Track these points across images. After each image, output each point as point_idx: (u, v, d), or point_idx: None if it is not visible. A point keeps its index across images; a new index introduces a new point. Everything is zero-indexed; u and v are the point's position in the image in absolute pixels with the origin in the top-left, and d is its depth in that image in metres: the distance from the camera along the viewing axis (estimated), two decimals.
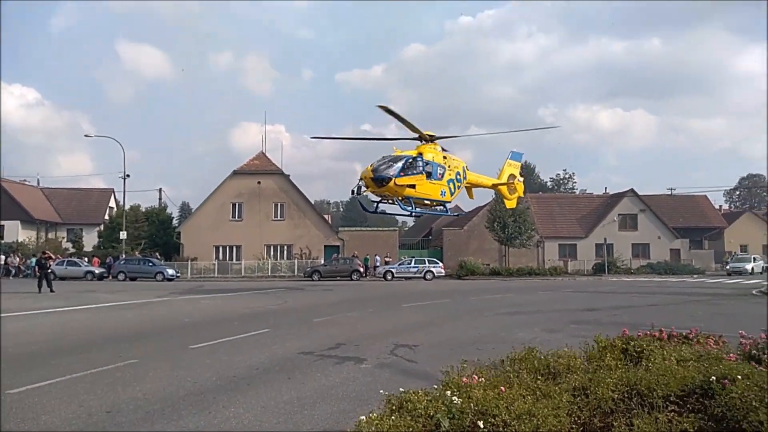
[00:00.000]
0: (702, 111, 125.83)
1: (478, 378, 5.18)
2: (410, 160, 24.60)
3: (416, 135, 25.65)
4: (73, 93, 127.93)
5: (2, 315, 16.81)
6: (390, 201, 25.75)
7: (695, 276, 42.87)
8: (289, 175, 50.17)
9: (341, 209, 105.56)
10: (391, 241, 48.06)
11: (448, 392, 4.57)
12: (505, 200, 33.32)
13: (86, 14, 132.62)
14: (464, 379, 4.98)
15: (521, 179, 33.41)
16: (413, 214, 27.40)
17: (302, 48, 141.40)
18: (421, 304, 19.98)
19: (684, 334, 7.26)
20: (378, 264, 43.52)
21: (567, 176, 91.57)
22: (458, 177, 27.04)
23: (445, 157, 26.34)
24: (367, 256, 44.35)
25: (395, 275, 39.92)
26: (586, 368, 5.93)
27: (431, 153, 25.68)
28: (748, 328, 7.24)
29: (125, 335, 12.56)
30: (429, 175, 25.01)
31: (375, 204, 26.95)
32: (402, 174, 24.06)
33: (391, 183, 23.77)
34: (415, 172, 24.53)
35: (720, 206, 69.84)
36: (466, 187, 29.87)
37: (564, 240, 51.29)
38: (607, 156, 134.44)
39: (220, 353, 10.03)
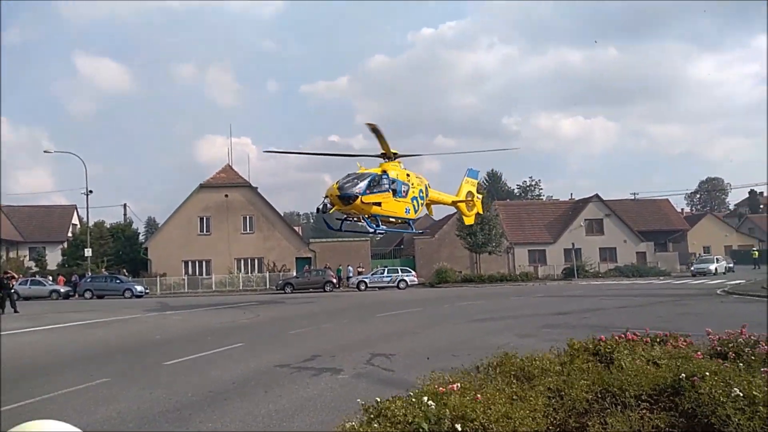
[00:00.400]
0: (659, 117, 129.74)
1: (454, 385, 5.27)
2: (376, 178, 24.62)
3: (380, 152, 25.72)
4: (31, 108, 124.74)
5: None
6: (355, 219, 25.70)
7: (661, 278, 43.92)
8: (257, 188, 49.80)
9: (311, 220, 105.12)
10: (363, 252, 48.05)
11: (425, 398, 4.64)
12: (464, 217, 33.50)
13: (43, 27, 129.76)
14: (441, 388, 5.05)
15: (479, 196, 33.78)
16: (378, 232, 27.44)
17: (266, 60, 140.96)
18: (395, 313, 20.04)
19: (653, 336, 7.48)
20: (351, 274, 43.44)
21: (533, 183, 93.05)
22: (421, 194, 27.20)
23: (408, 175, 26.48)
24: (340, 267, 44.23)
25: (369, 285, 39.90)
26: (560, 371, 6.08)
27: (395, 170, 25.76)
28: (715, 326, 7.48)
29: (95, 354, 12.31)
30: (394, 193, 25.07)
31: (340, 222, 26.75)
32: (368, 191, 24.00)
33: (358, 201, 23.63)
34: (381, 189, 24.53)
35: (682, 209, 71.99)
36: (426, 204, 30.43)
37: (533, 246, 52.02)
38: (571, 162, 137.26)
39: (195, 369, 9.92)
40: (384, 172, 25.15)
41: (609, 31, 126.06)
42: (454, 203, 32.31)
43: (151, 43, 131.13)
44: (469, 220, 33.87)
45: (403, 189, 25.61)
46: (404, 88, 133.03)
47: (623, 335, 7.38)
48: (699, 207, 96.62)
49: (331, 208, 24.68)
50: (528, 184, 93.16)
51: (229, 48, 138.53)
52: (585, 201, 54.79)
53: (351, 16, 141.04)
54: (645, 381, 5.31)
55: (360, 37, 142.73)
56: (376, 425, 4.48)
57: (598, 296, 25.71)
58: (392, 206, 25.12)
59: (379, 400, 5.14)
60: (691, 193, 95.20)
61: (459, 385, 5.32)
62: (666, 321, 14.17)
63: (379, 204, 24.43)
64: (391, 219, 26.16)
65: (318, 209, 25.36)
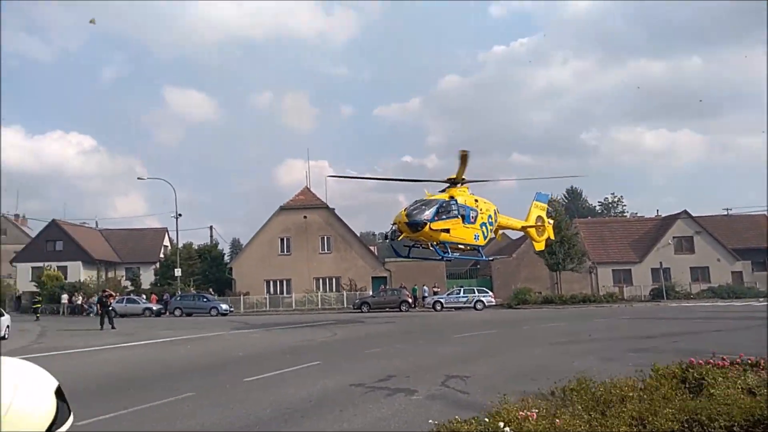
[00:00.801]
0: (751, 128, 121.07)
1: (531, 409, 5.13)
2: (444, 204, 24.39)
3: (446, 178, 25.54)
4: (126, 139, 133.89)
5: (68, 351, 17.56)
6: (423, 246, 25.41)
7: (761, 299, 40.75)
8: (334, 209, 50.87)
9: (387, 240, 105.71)
10: (439, 271, 47.75)
11: (501, 423, 4.55)
12: (534, 242, 32.40)
13: (134, 64, 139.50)
14: (521, 412, 4.94)
15: (550, 221, 32.71)
16: (445, 259, 26.88)
17: (340, 85, 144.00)
18: (472, 335, 19.73)
19: (749, 361, 6.97)
20: (426, 294, 43.25)
21: (616, 200, 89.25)
22: (490, 220, 26.70)
23: (476, 200, 26.09)
24: (415, 287, 44.17)
25: (444, 305, 39.53)
26: (642, 397, 5.78)
27: (462, 196, 25.42)
28: None
29: (182, 369, 12.91)
30: (463, 219, 24.75)
31: (408, 248, 26.53)
32: (437, 218, 23.77)
33: (426, 228, 23.41)
34: (449, 216, 24.25)
35: None
36: (503, 228, 30.04)
37: (617, 265, 49.79)
38: (655, 177, 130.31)
39: (273, 386, 10.18)
40: (452, 197, 24.88)
41: (689, 40, 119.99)
42: (523, 228, 31.56)
43: (232, 74, 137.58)
44: (539, 246, 32.78)
45: (471, 215, 25.25)
46: (477, 107, 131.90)
47: (711, 360, 6.94)
48: None
49: (400, 236, 24.54)
50: (610, 201, 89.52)
51: (305, 75, 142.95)
52: (673, 218, 51.93)
53: (421, 40, 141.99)
54: (737, 411, 4.96)
55: (431, 58, 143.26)
56: None
57: (689, 319, 24.21)
58: (461, 233, 24.74)
59: (453, 420, 5.10)
60: None
61: (536, 412, 5.19)
62: (764, 346, 13.12)
63: (447, 231, 24.10)
64: (460, 246, 25.70)
65: (386, 236, 25.41)
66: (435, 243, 24.44)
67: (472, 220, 25.25)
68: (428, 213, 23.63)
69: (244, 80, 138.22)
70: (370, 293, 44.22)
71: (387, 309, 39.59)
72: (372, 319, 31.11)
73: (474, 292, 40.68)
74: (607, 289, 46.57)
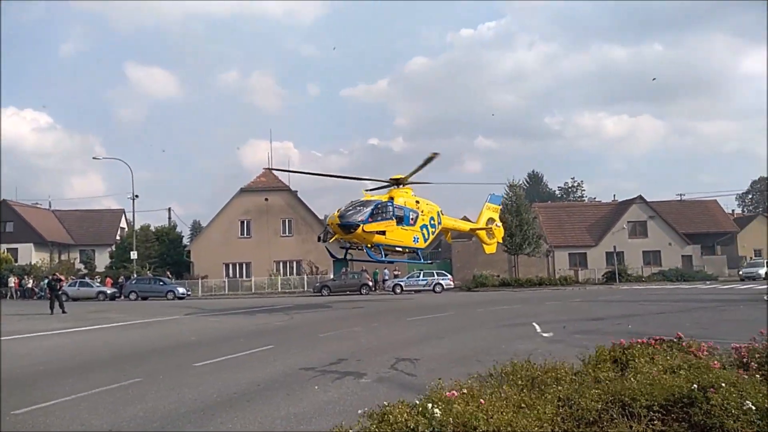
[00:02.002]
0: (708, 113, 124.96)
1: (462, 391, 5.29)
2: (380, 206, 23.96)
3: (389, 178, 25.38)
4: (84, 116, 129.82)
5: (14, 337, 17.12)
6: (359, 247, 24.87)
7: (708, 282, 42.52)
8: (296, 191, 50.59)
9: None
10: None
11: (430, 405, 4.68)
12: (484, 245, 32.21)
13: (95, 39, 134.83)
14: (447, 393, 5.08)
15: (499, 224, 32.71)
16: (379, 262, 26.20)
17: (307, 65, 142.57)
18: (427, 317, 20.03)
19: (674, 340, 7.31)
20: (387, 277, 43.59)
21: (576, 184, 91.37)
22: (432, 222, 26.28)
23: (417, 202, 25.62)
24: (376, 270, 44.41)
25: (404, 288, 39.95)
26: (574, 379, 6.02)
27: (403, 197, 25.02)
28: (756, 334, 7.23)
29: (132, 354, 12.77)
30: (400, 221, 24.33)
31: (345, 250, 25.74)
32: (371, 220, 23.32)
33: (359, 230, 23.03)
34: (385, 217, 23.77)
35: (732, 210, 69.29)
36: (443, 230, 29.74)
37: (574, 249, 51.12)
38: (614, 162, 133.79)
39: (224, 370, 10.18)
40: (391, 198, 24.61)
41: (653, 27, 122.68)
42: (472, 231, 31.62)
43: (196, 51, 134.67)
44: (489, 249, 32.61)
45: (411, 216, 24.87)
46: (444, 89, 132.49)
47: (642, 340, 7.26)
48: (751, 208, 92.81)
49: (332, 237, 24.21)
50: (570, 186, 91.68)
51: (270, 54, 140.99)
52: (628, 202, 53.52)
53: (390, 20, 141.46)
54: (658, 391, 5.22)
55: (399, 40, 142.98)
56: (377, 430, 4.56)
57: (637, 301, 25.11)
58: (398, 235, 24.35)
59: (385, 404, 5.22)
60: (743, 193, 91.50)
61: (459, 392, 5.35)
62: (704, 328, 13.77)
63: (383, 233, 23.70)
64: (397, 248, 25.37)
65: (319, 238, 25.11)
66: (369, 245, 24.04)
67: (412, 222, 24.82)
68: (362, 214, 23.21)
69: (208, 57, 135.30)
70: (331, 277, 44.29)
71: (348, 292, 39.76)
72: (331, 302, 31.21)
73: (434, 276, 41.19)
74: (563, 272, 47.81)
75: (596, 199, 72.83)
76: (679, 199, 59.13)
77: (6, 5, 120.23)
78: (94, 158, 60.56)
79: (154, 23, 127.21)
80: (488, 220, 31.36)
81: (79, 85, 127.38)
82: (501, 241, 33.88)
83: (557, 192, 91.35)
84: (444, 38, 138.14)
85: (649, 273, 47.65)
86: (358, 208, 23.68)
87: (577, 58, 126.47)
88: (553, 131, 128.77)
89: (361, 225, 23.03)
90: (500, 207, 34.22)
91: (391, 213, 24.08)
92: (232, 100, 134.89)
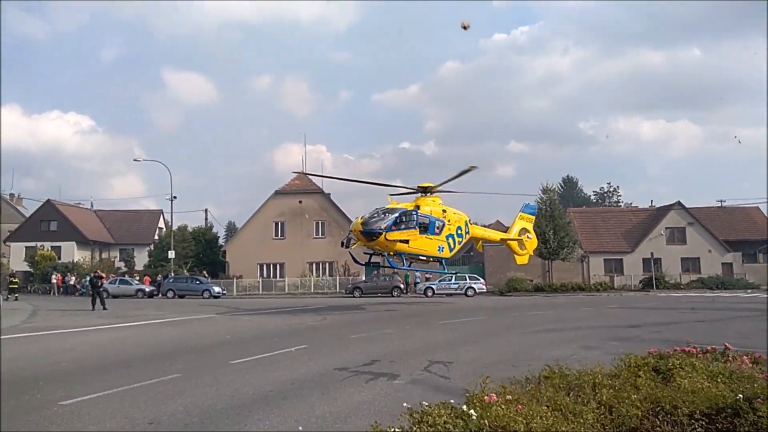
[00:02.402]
0: (749, 119, 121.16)
1: (501, 395, 5.27)
2: (404, 214, 23.75)
3: (417, 186, 25.21)
4: (124, 120, 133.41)
5: (58, 332, 17.70)
6: (382, 254, 24.93)
7: (749, 291, 41.21)
8: (329, 194, 50.96)
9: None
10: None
11: (465, 407, 4.69)
12: (516, 256, 31.15)
13: (134, 45, 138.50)
14: (486, 397, 5.07)
15: (532, 235, 31.65)
16: (398, 269, 26.10)
17: (339, 70, 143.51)
18: (459, 321, 19.95)
19: (718, 350, 7.14)
20: (418, 280, 43.50)
21: (611, 189, 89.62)
22: (459, 232, 25.79)
23: (444, 211, 25.24)
24: (408, 273, 44.38)
25: (436, 292, 39.82)
26: (613, 385, 5.94)
27: (429, 206, 24.76)
28: None
29: (170, 351, 13.04)
30: (425, 230, 24.07)
31: (368, 256, 25.91)
32: (394, 228, 23.16)
33: (381, 237, 22.92)
34: (408, 226, 23.55)
35: None
36: (474, 240, 29.44)
37: (609, 255, 50.18)
38: (651, 167, 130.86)
39: (259, 368, 10.33)
40: (417, 207, 24.44)
41: (690, 31, 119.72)
42: (503, 241, 30.64)
43: (231, 57, 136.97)
44: (521, 260, 31.52)
45: (437, 225, 24.55)
46: (476, 94, 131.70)
47: (686, 348, 7.11)
48: None
49: (355, 243, 24.32)
50: (605, 191, 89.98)
51: (304, 60, 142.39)
52: (666, 208, 52.27)
53: (421, 26, 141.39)
54: (701, 399, 5.12)
55: (431, 45, 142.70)
56: (416, 430, 4.59)
57: (675, 309, 24.51)
58: (422, 244, 24.09)
59: (425, 405, 5.25)
60: None
61: (498, 395, 5.33)
62: (746, 337, 13.37)
63: (406, 241, 23.51)
64: (421, 257, 25.08)
65: (342, 243, 25.19)
66: (390, 253, 23.98)
67: (437, 231, 24.51)
68: (385, 222, 23.11)
69: (243, 63, 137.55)
70: (363, 279, 44.43)
71: (379, 294, 39.84)
72: (363, 304, 31.32)
73: (466, 279, 40.96)
74: (598, 278, 46.98)
75: (633, 205, 71.40)
76: (719, 205, 57.47)
77: (55, 10, 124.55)
78: (135, 160, 62.53)
79: (190, 30, 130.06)
80: (521, 230, 30.53)
81: (119, 89, 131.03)
82: (532, 252, 32.87)
83: (592, 197, 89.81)
84: (476, 43, 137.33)
85: (688, 280, 46.46)
86: (382, 215, 23.56)
87: (612, 62, 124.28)
88: (587, 136, 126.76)
89: (384, 233, 22.92)
90: (534, 217, 33.22)
91: (415, 222, 23.82)
92: (266, 104, 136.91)
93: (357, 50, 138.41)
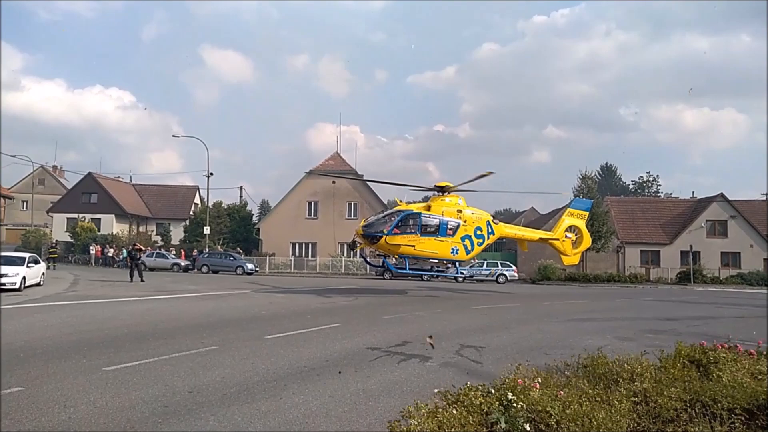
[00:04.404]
0: None
1: (536, 380, 5.28)
2: (406, 216, 23.24)
3: (433, 185, 24.86)
4: (164, 96, 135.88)
5: (99, 301, 18.31)
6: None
7: None
8: (362, 175, 51.02)
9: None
10: None
11: (506, 390, 4.71)
12: (562, 257, 28.54)
13: (174, 22, 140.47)
14: (519, 380, 5.08)
15: (581, 234, 28.40)
16: (399, 272, 25.08)
17: (375, 51, 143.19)
18: (491, 307, 19.92)
19: (761, 348, 6.98)
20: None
21: (651, 179, 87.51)
22: (478, 233, 24.51)
23: (460, 211, 24.23)
24: None
25: (466, 277, 39.71)
26: (651, 377, 5.87)
27: (444, 206, 24.01)
28: None
29: (208, 323, 13.38)
30: (435, 231, 23.39)
31: (383, 257, 25.54)
32: (396, 231, 22.76)
33: (382, 241, 22.65)
34: (413, 230, 23.05)
35: None
36: (517, 239, 28.68)
37: (646, 246, 49.15)
38: (693, 157, 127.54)
39: (293, 344, 10.53)
40: (428, 208, 24.00)
41: (740, 16, 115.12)
42: (543, 240, 28.36)
43: (269, 35, 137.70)
44: (569, 260, 28.85)
45: (449, 226, 23.62)
46: (514, 77, 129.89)
47: (725, 344, 6.96)
48: None
49: (360, 245, 24.33)
50: (645, 180, 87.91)
51: (340, 39, 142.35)
52: (708, 200, 50.81)
53: (460, 7, 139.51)
54: (741, 394, 5.03)
55: (469, 27, 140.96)
56: (453, 411, 4.63)
57: (713, 304, 23.97)
58: (432, 246, 23.37)
59: (460, 386, 5.29)
60: None
61: (540, 380, 5.34)
62: None
63: (412, 245, 23.00)
64: (431, 260, 24.50)
65: (349, 246, 25.01)
66: (394, 256, 23.81)
67: (450, 233, 23.64)
68: (387, 225, 22.83)
69: (280, 42, 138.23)
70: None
71: (410, 278, 39.88)
72: (393, 286, 31.47)
73: (497, 266, 40.74)
74: (634, 269, 46.15)
75: (673, 195, 69.69)
76: (764, 198, 55.61)
77: None
78: (173, 136, 63.39)
79: (230, 9, 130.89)
80: (569, 228, 28.12)
81: (159, 66, 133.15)
82: (586, 248, 30.23)
83: (631, 186, 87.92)
84: (515, 25, 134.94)
85: (727, 275, 45.23)
86: (384, 218, 23.41)
87: (657, 47, 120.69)
88: (627, 123, 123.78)
89: (385, 236, 22.66)
90: (588, 213, 30.21)
91: (419, 224, 23.24)
92: (302, 84, 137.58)
93: (394, 30, 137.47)
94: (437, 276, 41.13)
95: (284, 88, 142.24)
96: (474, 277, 39.72)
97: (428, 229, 23.39)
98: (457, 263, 25.23)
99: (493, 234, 25.43)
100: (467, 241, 24.17)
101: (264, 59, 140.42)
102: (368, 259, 31.03)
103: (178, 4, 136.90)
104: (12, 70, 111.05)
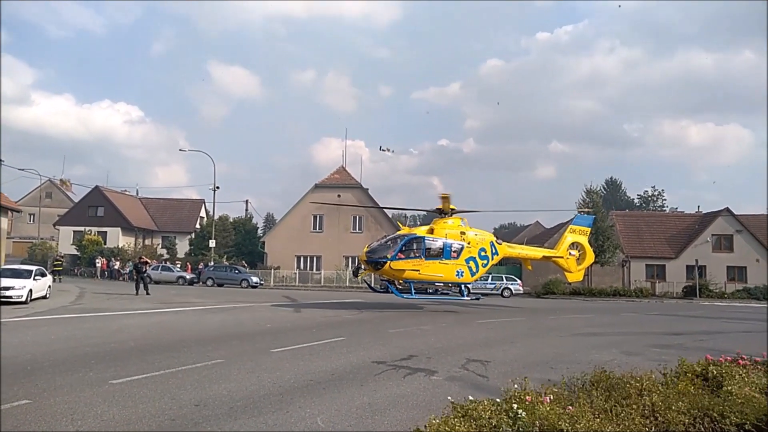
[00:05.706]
0: None
1: (545, 395, 5.27)
2: (410, 241, 23.12)
3: (435, 208, 24.79)
4: (171, 111, 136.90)
5: (105, 314, 18.35)
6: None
7: None
8: (367, 189, 51.19)
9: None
10: None
11: (515, 405, 4.70)
12: (566, 273, 28.39)
13: (182, 38, 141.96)
14: (528, 397, 5.08)
15: (584, 250, 28.04)
16: (405, 297, 24.11)
17: (381, 66, 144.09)
18: (496, 321, 19.86)
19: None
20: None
21: (656, 193, 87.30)
22: (482, 254, 24.35)
23: (463, 233, 24.06)
24: None
25: (471, 291, 39.46)
26: (660, 392, 5.86)
27: (447, 229, 23.90)
28: None
29: (213, 337, 13.39)
30: (439, 255, 23.22)
31: (387, 282, 24.96)
32: (400, 256, 22.63)
33: (387, 266, 22.53)
34: (417, 254, 22.89)
35: None
36: (521, 258, 28.42)
37: (652, 260, 48.91)
38: (698, 172, 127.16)
39: (299, 358, 10.52)
40: (431, 230, 23.88)
41: (743, 33, 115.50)
42: (546, 258, 28.05)
43: (275, 51, 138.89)
44: (573, 277, 28.82)
45: (453, 249, 23.43)
46: (518, 93, 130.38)
47: (734, 358, 6.94)
48: None
49: (364, 271, 24.26)
50: (650, 195, 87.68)
51: (346, 55, 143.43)
52: (713, 215, 50.61)
53: (464, 23, 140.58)
54: (750, 410, 5.02)
55: (473, 43, 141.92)
56: (461, 424, 4.64)
57: (720, 318, 23.82)
58: (437, 269, 23.13)
59: (469, 399, 5.29)
60: None
61: (551, 397, 5.33)
62: None
63: (417, 270, 22.83)
64: (436, 284, 24.19)
65: (353, 272, 24.85)
66: (399, 281, 23.51)
67: (455, 255, 23.46)
68: (391, 250, 22.67)
69: (287, 58, 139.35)
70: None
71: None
72: (398, 300, 31.31)
73: (502, 279, 40.58)
74: (639, 283, 45.91)
75: (678, 210, 69.44)
76: None
77: (110, 4, 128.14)
78: (180, 150, 63.74)
79: (237, 25, 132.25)
80: (572, 244, 27.59)
81: (167, 81, 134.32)
82: (588, 264, 29.74)
83: (636, 200, 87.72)
84: (519, 42, 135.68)
85: (733, 290, 44.93)
86: (388, 243, 23.23)
87: (660, 64, 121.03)
88: (631, 138, 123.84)
89: (389, 262, 22.52)
90: (590, 229, 29.98)
91: (423, 248, 23.10)
92: (308, 99, 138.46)
93: (399, 47, 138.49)
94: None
95: (290, 102, 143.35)
96: (479, 291, 39.48)
97: (432, 253, 23.17)
98: (462, 285, 24.82)
99: (497, 254, 25.19)
100: (471, 263, 23.98)
101: (270, 75, 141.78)
102: (372, 285, 30.88)
103: (186, 21, 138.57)
104: (23, 84, 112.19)
